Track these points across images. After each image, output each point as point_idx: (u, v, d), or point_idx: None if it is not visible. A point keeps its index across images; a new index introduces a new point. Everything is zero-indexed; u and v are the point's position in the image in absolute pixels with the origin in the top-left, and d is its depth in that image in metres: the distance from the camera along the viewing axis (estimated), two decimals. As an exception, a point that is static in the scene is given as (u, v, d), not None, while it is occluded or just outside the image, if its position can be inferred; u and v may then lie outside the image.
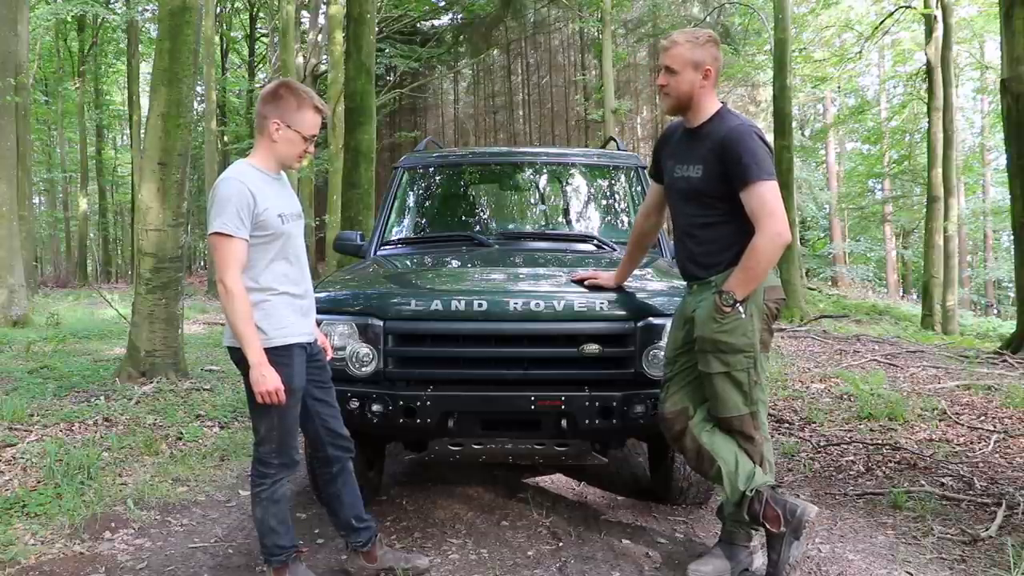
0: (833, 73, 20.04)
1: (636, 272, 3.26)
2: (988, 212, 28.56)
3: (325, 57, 19.39)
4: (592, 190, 4.74)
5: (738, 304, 2.58)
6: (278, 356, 2.47)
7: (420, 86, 24.30)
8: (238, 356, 2.49)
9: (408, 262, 3.98)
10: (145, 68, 25.60)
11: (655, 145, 3.06)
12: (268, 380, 2.40)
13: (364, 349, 3.02)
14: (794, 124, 18.22)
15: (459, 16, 25.42)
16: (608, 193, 4.69)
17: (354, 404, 2.98)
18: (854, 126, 28.09)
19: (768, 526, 2.62)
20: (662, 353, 2.93)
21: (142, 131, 15.23)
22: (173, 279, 6.21)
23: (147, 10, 22.08)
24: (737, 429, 2.69)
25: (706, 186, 2.68)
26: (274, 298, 2.50)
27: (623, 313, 3.02)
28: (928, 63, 15.09)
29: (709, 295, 2.67)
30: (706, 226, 2.73)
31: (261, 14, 26.88)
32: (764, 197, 2.56)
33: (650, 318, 3.00)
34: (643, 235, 3.20)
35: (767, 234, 2.54)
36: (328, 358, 2.79)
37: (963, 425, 4.96)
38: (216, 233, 2.40)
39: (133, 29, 23.82)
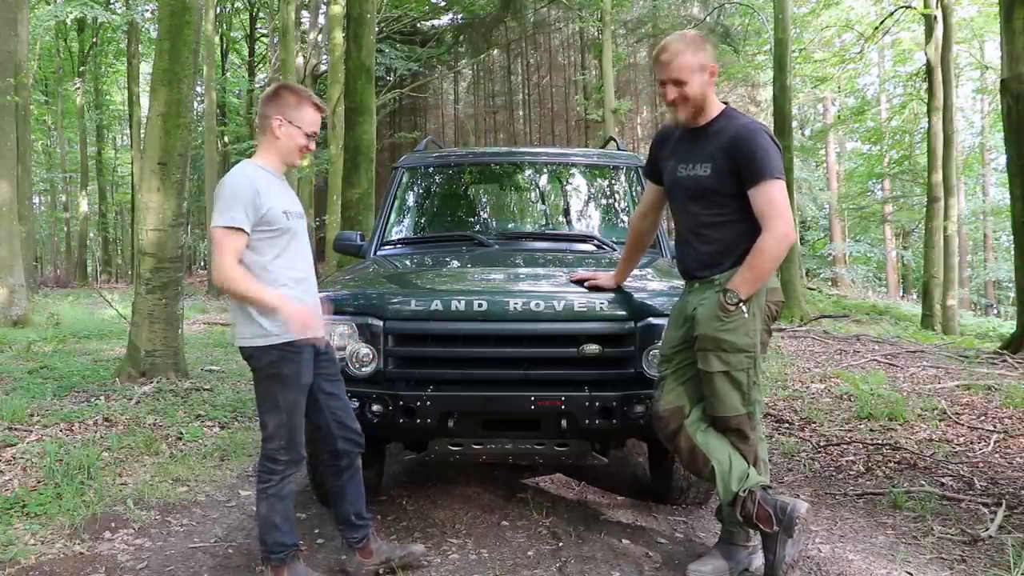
0: (833, 73, 20.04)
1: (636, 272, 3.26)
2: (988, 212, 28.57)
3: (325, 57, 19.40)
4: (592, 190, 4.74)
5: (742, 303, 2.59)
6: (285, 353, 2.49)
7: (420, 86, 24.28)
8: (248, 353, 2.54)
9: (408, 262, 3.98)
10: (145, 68, 25.58)
11: (651, 145, 3.05)
12: (297, 313, 2.44)
13: (364, 349, 3.02)
14: (794, 124, 18.22)
15: (459, 16, 25.38)
16: (608, 193, 4.69)
17: (354, 404, 2.97)
18: (854, 126, 28.07)
19: (761, 526, 2.62)
20: (662, 353, 2.93)
21: (142, 131, 15.23)
22: (173, 279, 6.22)
23: (147, 10, 22.08)
24: (733, 428, 2.69)
25: (716, 184, 2.68)
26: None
27: (623, 313, 3.02)
28: (928, 63, 15.08)
29: (712, 294, 2.66)
30: (714, 225, 2.72)
31: (261, 14, 26.87)
32: (773, 196, 2.56)
33: (650, 318, 3.00)
34: (640, 236, 3.19)
35: (774, 234, 2.55)
36: None
37: (963, 425, 4.96)
38: (220, 227, 2.43)
39: (133, 29, 23.84)
